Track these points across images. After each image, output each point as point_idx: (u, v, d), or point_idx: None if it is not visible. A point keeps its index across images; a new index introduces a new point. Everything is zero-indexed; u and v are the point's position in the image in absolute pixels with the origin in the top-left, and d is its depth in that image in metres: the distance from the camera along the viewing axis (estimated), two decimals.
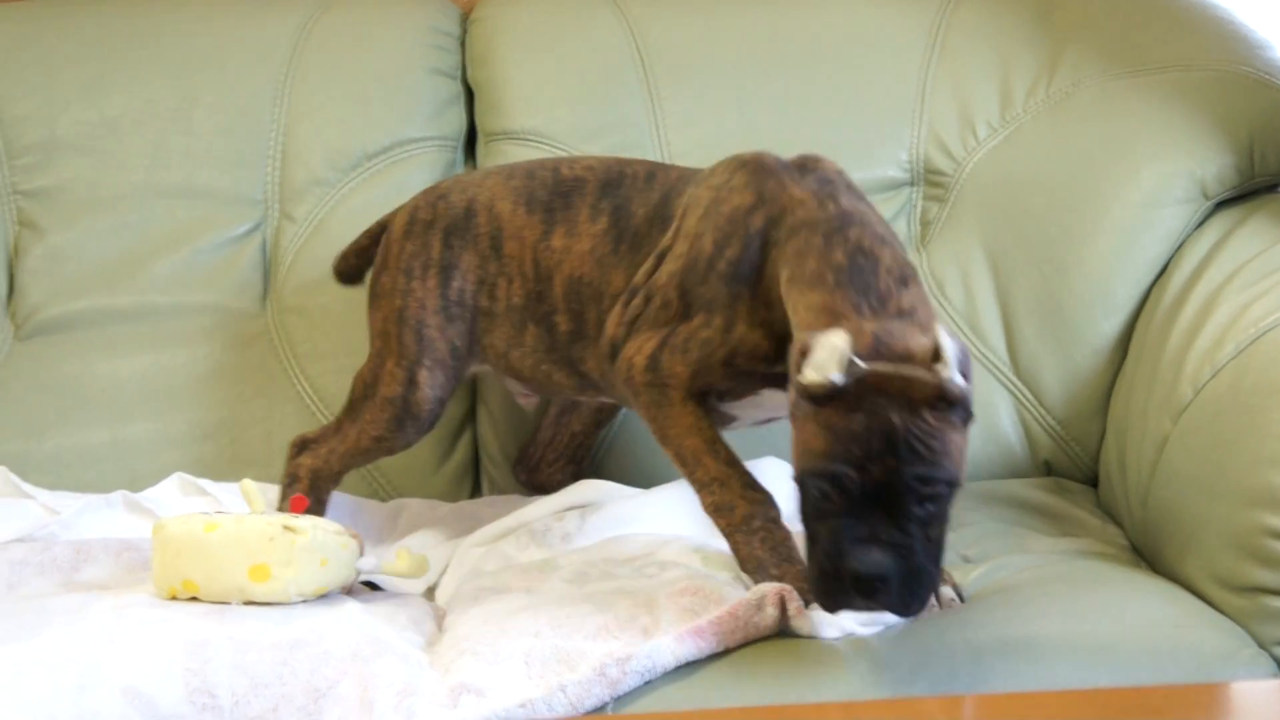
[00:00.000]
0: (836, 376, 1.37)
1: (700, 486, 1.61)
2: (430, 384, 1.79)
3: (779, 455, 1.82)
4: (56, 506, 1.88)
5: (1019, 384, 2.02)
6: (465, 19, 2.27)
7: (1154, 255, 1.97)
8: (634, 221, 1.74)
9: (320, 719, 1.40)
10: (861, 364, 1.37)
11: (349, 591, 1.66)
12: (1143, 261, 1.97)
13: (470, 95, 2.21)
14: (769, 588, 1.48)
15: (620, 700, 1.42)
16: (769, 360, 1.59)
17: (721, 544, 1.63)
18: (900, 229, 2.10)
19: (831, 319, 1.45)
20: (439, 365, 1.80)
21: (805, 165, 1.65)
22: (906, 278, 1.51)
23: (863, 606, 1.40)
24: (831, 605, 1.41)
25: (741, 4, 2.21)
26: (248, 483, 1.66)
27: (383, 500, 1.99)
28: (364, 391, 1.83)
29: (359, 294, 1.98)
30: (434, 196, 1.86)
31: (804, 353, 1.41)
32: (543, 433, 1.98)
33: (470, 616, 1.58)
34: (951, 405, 1.39)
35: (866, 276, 1.48)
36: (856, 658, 1.46)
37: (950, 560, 1.71)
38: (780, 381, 1.58)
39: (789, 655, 1.46)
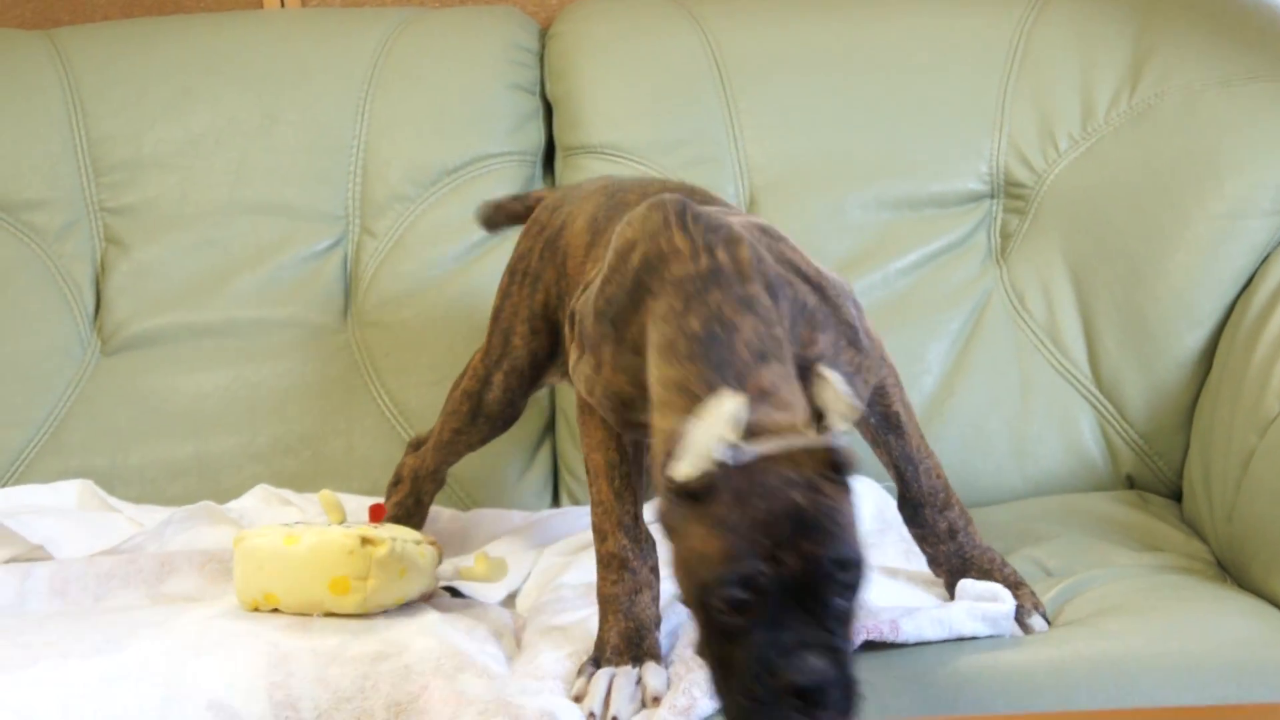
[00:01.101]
0: (726, 454, 1.22)
1: (591, 504, 1.58)
2: (503, 387, 1.78)
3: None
4: (141, 519, 1.91)
5: (1101, 397, 2.00)
6: (544, 34, 2.28)
7: (1239, 267, 1.94)
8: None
9: None
10: (745, 446, 1.22)
11: (430, 599, 1.67)
12: (1227, 274, 1.95)
13: (549, 110, 2.22)
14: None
15: None
16: (639, 407, 1.44)
17: None
18: (980, 242, 2.09)
19: (687, 399, 1.30)
20: (515, 372, 1.77)
21: (712, 200, 1.57)
22: (766, 353, 1.33)
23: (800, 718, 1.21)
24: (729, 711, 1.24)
25: (820, 15, 2.21)
26: (327, 494, 1.67)
27: (462, 510, 2.00)
28: (455, 382, 1.83)
29: (439, 309, 2.00)
30: (553, 203, 1.81)
31: (669, 448, 1.26)
32: None
33: (551, 638, 1.58)
34: (842, 471, 1.25)
35: (722, 351, 1.32)
36: (933, 675, 1.45)
37: (1032, 573, 1.70)
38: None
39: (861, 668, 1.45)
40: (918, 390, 2.02)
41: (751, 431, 1.24)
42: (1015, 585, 1.59)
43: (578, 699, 1.46)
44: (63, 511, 1.90)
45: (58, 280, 2.14)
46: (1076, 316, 2.03)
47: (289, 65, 2.21)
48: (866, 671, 1.42)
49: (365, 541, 1.58)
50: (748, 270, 1.38)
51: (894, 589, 1.62)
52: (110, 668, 1.45)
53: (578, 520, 1.91)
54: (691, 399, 1.29)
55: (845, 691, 1.21)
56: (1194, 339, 1.95)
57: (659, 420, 1.34)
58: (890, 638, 1.48)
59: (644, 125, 2.14)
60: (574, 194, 1.80)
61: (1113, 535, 1.83)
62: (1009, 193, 2.10)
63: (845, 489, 1.25)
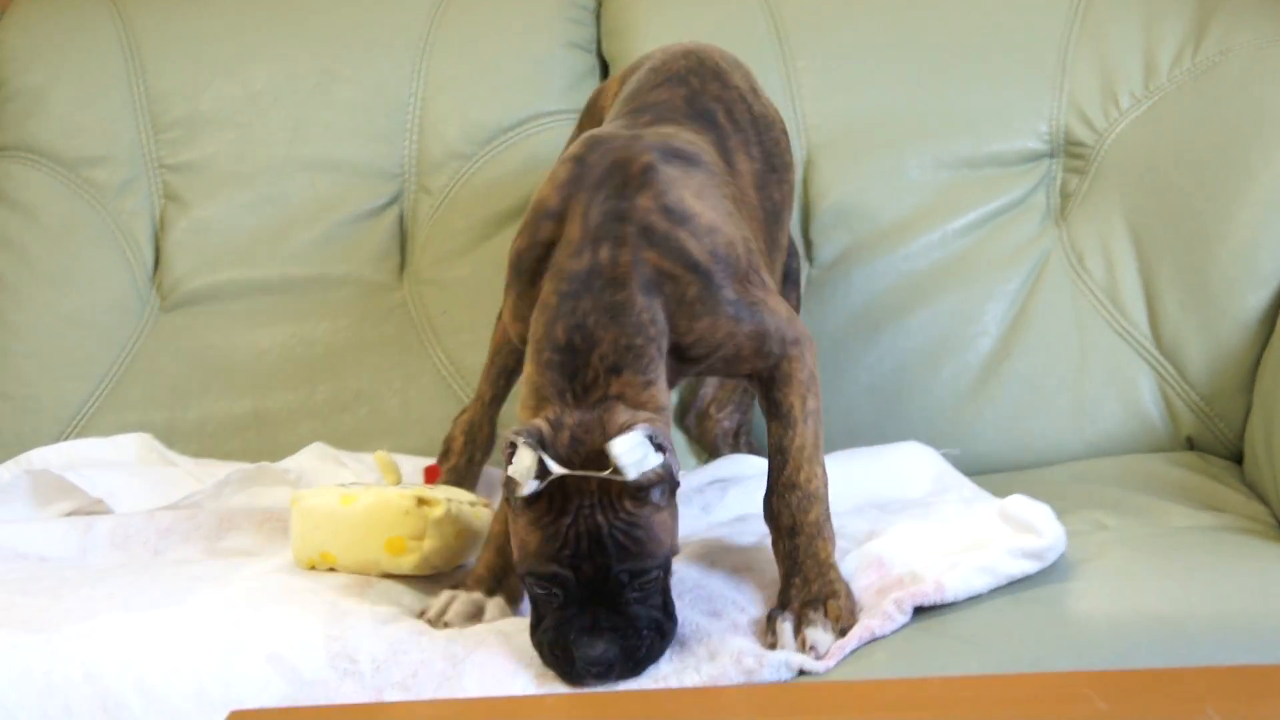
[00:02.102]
0: (533, 485, 1.39)
1: None
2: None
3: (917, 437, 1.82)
4: (200, 474, 1.92)
5: (1161, 359, 1.98)
6: None
7: None
8: None
9: (460, 683, 1.41)
10: (557, 469, 1.38)
11: None
12: None
13: (605, 68, 2.21)
14: (900, 596, 1.47)
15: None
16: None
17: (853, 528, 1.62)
18: (1039, 201, 2.07)
19: (537, 404, 1.45)
20: None
21: (630, 180, 1.53)
22: (621, 366, 1.45)
23: (595, 683, 1.41)
24: (569, 681, 1.42)
25: None
26: (382, 454, 1.68)
27: None
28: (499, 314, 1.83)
29: (494, 267, 1.99)
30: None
31: (509, 451, 1.41)
32: (709, 380, 1.98)
33: None
34: (648, 490, 1.41)
35: (577, 362, 1.44)
36: (990, 632, 1.44)
37: (1089, 531, 1.68)
38: None
39: (917, 633, 1.45)
40: (975, 351, 2.01)
41: (575, 450, 1.40)
42: (814, 603, 1.50)
43: (420, 615, 1.53)
44: (123, 465, 1.91)
45: (117, 236, 2.15)
46: (1137, 277, 2.01)
47: (347, 23, 2.21)
48: (922, 635, 1.43)
49: (421, 502, 1.58)
50: (624, 275, 1.47)
51: (938, 547, 1.60)
52: (171, 620, 1.46)
53: None
54: (540, 405, 1.45)
55: (633, 659, 1.42)
56: (1257, 299, 1.93)
57: (520, 412, 1.47)
58: (937, 599, 1.47)
59: None
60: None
61: (1172, 496, 1.82)
62: (1069, 152, 2.08)
63: (650, 503, 1.41)
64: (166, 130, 2.17)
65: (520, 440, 1.39)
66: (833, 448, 1.84)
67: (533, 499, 1.40)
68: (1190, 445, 1.98)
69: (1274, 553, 1.63)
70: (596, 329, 1.45)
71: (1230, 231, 1.95)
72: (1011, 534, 1.53)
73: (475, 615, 1.53)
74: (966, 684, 1.29)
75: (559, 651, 1.41)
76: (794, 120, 2.10)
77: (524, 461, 1.39)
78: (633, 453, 1.39)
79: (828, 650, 1.44)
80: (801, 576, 1.50)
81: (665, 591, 1.45)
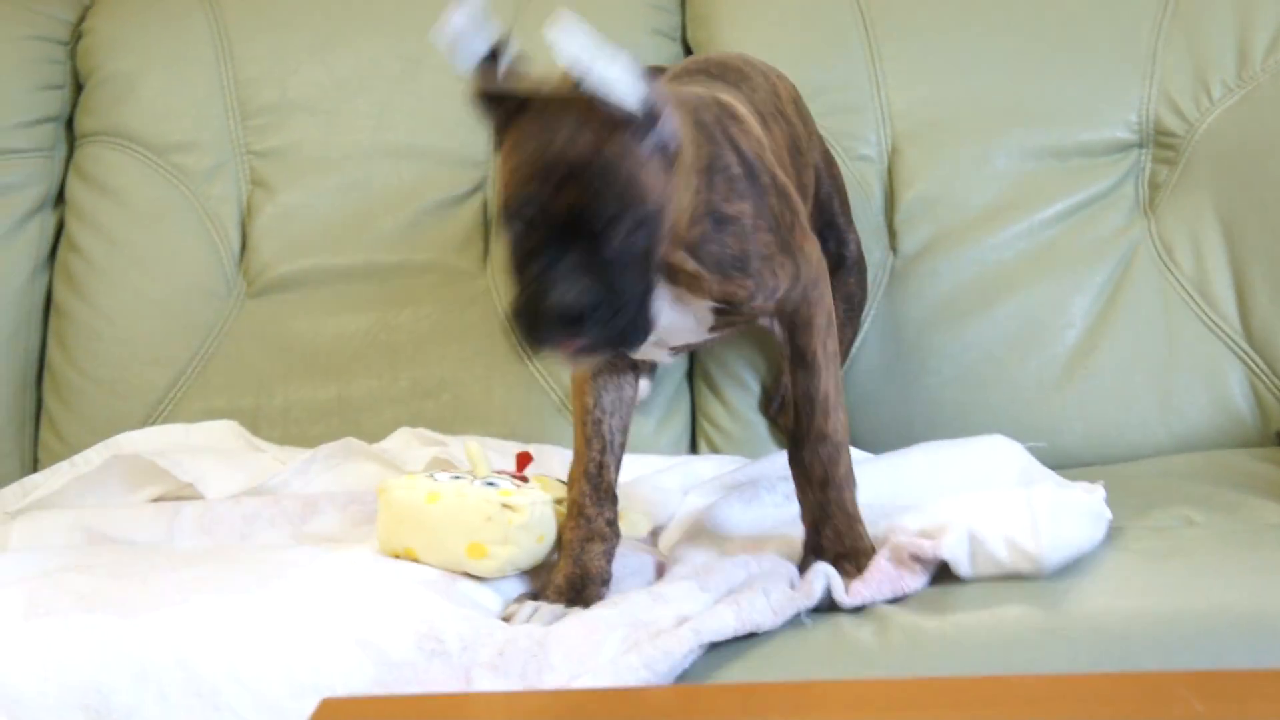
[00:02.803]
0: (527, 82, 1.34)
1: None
2: None
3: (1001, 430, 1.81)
4: (285, 460, 1.93)
5: (1251, 352, 1.96)
6: None
7: None
8: None
9: (546, 659, 1.42)
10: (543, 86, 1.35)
11: None
12: None
13: (690, 56, 2.21)
14: (901, 541, 1.52)
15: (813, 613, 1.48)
16: None
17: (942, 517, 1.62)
18: (1127, 192, 2.05)
19: None
20: None
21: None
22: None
23: (565, 340, 1.36)
24: (535, 341, 1.37)
25: None
26: (471, 444, 1.68)
27: None
28: None
29: None
30: None
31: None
32: None
33: (684, 563, 1.63)
34: (634, 133, 1.37)
35: None
36: (1082, 626, 1.43)
37: (1175, 522, 1.67)
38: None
39: (1011, 624, 1.44)
40: (1061, 343, 1.99)
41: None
42: (849, 556, 1.55)
43: (506, 620, 1.53)
44: (211, 450, 1.93)
45: (205, 222, 2.17)
46: (1227, 270, 1.99)
47: (432, 9, 2.17)
48: (1013, 626, 1.43)
49: (505, 507, 1.58)
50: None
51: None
52: (260, 605, 1.47)
53: (721, 464, 1.91)
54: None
55: (610, 316, 1.35)
56: None
57: None
58: (933, 554, 1.51)
59: (786, 72, 2.11)
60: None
61: (1261, 492, 1.79)
62: (1159, 142, 2.06)
63: (633, 151, 1.36)
64: (254, 116, 2.19)
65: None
66: (916, 438, 1.85)
67: (512, 120, 1.36)
68: None
69: None
70: None
71: None
72: (1018, 525, 1.53)
73: None
74: (1060, 682, 1.28)
75: (529, 307, 1.35)
76: (879, 109, 2.09)
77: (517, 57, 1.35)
78: (573, 40, 1.31)
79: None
80: (833, 529, 1.56)
81: (648, 265, 1.39)
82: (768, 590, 1.48)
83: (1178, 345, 1.98)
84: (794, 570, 1.55)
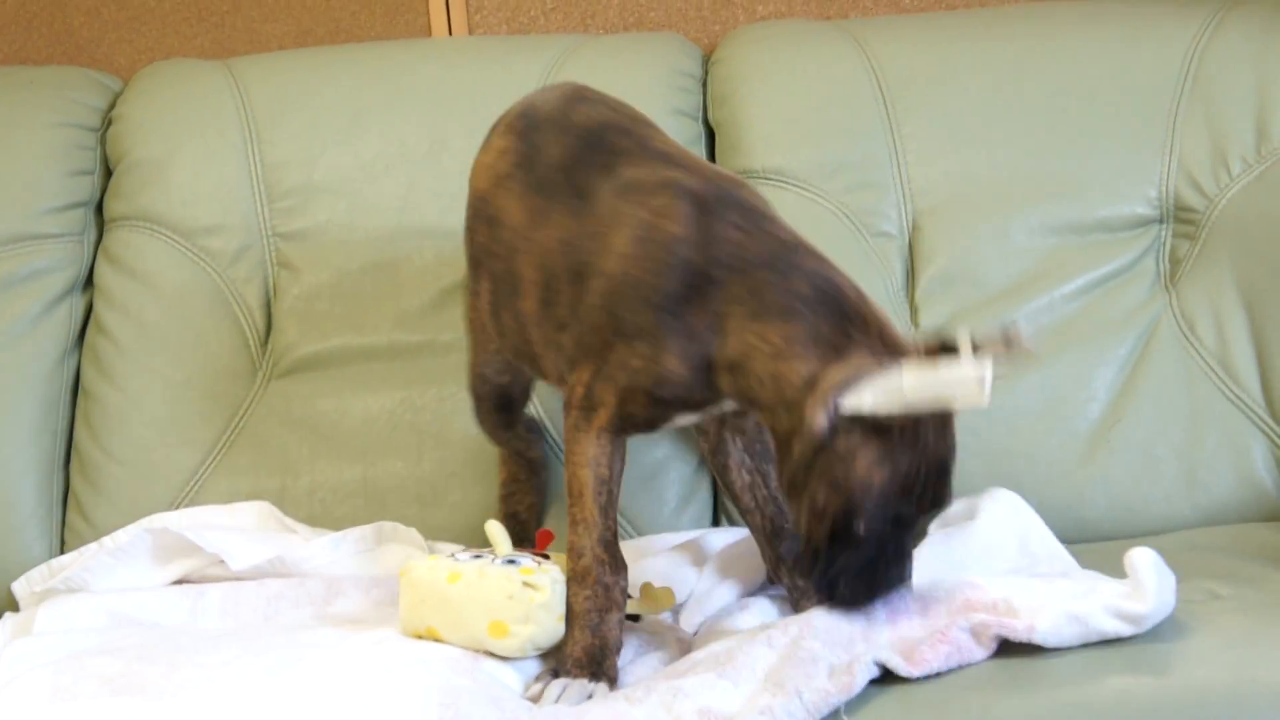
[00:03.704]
0: (900, 397, 1.41)
1: (572, 522, 1.61)
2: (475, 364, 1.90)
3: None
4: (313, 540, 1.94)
5: (1275, 426, 1.96)
6: (707, 60, 2.28)
7: None
8: (543, 157, 1.71)
9: None
10: (912, 394, 1.41)
11: None
12: None
13: (711, 136, 2.23)
14: (987, 619, 1.48)
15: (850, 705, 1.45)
16: (689, 388, 1.58)
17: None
18: (1148, 267, 2.06)
19: (828, 351, 1.49)
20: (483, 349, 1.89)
21: (728, 194, 1.61)
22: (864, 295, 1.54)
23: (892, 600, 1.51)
24: (853, 609, 1.51)
25: (984, 36, 2.19)
26: (492, 525, 1.69)
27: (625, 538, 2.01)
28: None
29: None
30: None
31: (814, 383, 1.47)
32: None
33: (709, 645, 1.61)
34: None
35: (840, 303, 1.51)
36: (1104, 698, 1.42)
37: (1200, 596, 1.66)
38: (695, 405, 1.61)
39: (1016, 692, 1.44)
40: (1084, 417, 1.99)
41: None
42: None
43: (532, 700, 1.53)
44: (242, 530, 1.94)
45: (231, 304, 2.19)
46: (1249, 344, 1.99)
47: (456, 92, 2.24)
48: (1026, 694, 1.42)
49: (526, 586, 1.59)
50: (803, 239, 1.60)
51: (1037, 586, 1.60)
52: (284, 687, 1.48)
53: (730, 535, 1.91)
54: (833, 351, 1.48)
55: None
56: None
57: (781, 364, 1.49)
58: (1025, 638, 1.47)
59: (806, 150, 2.14)
60: None
61: None
62: (1179, 217, 2.07)
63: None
64: (281, 199, 2.21)
65: (881, 372, 1.43)
66: None
67: (884, 430, 1.43)
68: None
69: None
70: (833, 273, 1.54)
71: None
72: (1115, 590, 1.52)
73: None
74: None
75: (859, 581, 1.49)
76: (899, 186, 2.10)
77: (889, 386, 1.41)
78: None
79: None
80: None
81: None
82: (801, 690, 1.44)
83: (1201, 419, 1.98)
84: (834, 653, 1.50)
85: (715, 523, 2.07)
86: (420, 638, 1.61)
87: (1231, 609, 1.63)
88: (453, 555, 1.64)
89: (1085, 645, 1.49)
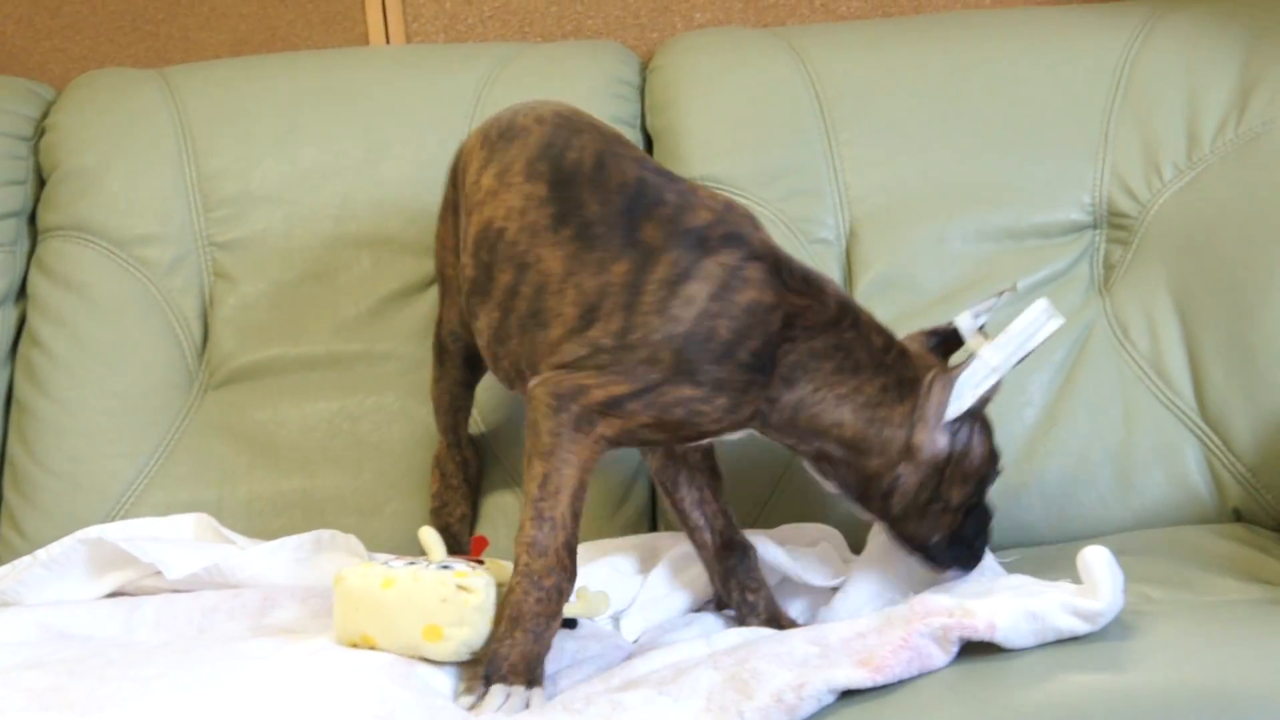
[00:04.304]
0: (994, 375, 1.68)
1: (538, 519, 1.59)
2: (446, 317, 1.94)
3: None
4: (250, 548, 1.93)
5: (1207, 430, 1.98)
6: (645, 68, 2.29)
7: None
8: (584, 212, 1.70)
9: None
10: (1004, 362, 1.68)
11: None
12: None
13: (649, 143, 2.23)
14: (948, 622, 1.48)
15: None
16: (723, 427, 1.67)
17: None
18: (1083, 272, 2.08)
19: (907, 388, 1.68)
20: (445, 302, 1.94)
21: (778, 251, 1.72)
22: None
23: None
24: (973, 563, 1.73)
25: (920, 45, 2.21)
26: (426, 531, 1.68)
27: None
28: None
29: None
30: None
31: (914, 419, 1.67)
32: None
33: (650, 658, 1.61)
34: None
35: (898, 344, 1.71)
36: (1040, 699, 1.43)
37: (1134, 599, 1.68)
38: (709, 437, 1.70)
39: (963, 702, 1.45)
40: (1020, 422, 2.00)
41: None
42: None
43: (468, 709, 1.52)
44: (180, 542, 1.93)
45: (167, 314, 2.18)
46: (1182, 348, 2.00)
47: (394, 101, 2.24)
48: (967, 705, 1.43)
49: (460, 589, 1.58)
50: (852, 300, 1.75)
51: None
52: (218, 699, 1.47)
53: (675, 542, 1.91)
54: (907, 386, 1.69)
55: None
56: None
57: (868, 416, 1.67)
58: (986, 637, 1.48)
59: (744, 157, 2.14)
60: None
61: (1219, 568, 1.81)
62: (1112, 223, 2.08)
63: None
64: (217, 208, 2.20)
65: (975, 359, 1.67)
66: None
67: (975, 410, 1.69)
68: (1238, 516, 1.97)
69: None
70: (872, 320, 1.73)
71: (1275, 301, 1.94)
72: (1069, 589, 1.53)
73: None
74: None
75: (960, 544, 1.72)
76: (836, 193, 2.11)
77: (981, 371, 1.67)
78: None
79: None
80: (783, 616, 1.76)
81: None
82: (743, 710, 1.42)
83: (1135, 423, 2.00)
84: (781, 675, 1.48)
85: (654, 527, 2.07)
86: (355, 646, 1.60)
87: (1165, 612, 1.64)
88: (386, 562, 1.64)
89: (1018, 650, 1.50)
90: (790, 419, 1.66)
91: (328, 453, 2.08)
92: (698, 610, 1.82)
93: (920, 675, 1.47)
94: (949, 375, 1.67)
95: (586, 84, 2.23)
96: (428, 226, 2.16)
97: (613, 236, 1.67)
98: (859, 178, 2.12)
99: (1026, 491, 1.99)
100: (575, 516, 1.60)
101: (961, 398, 1.66)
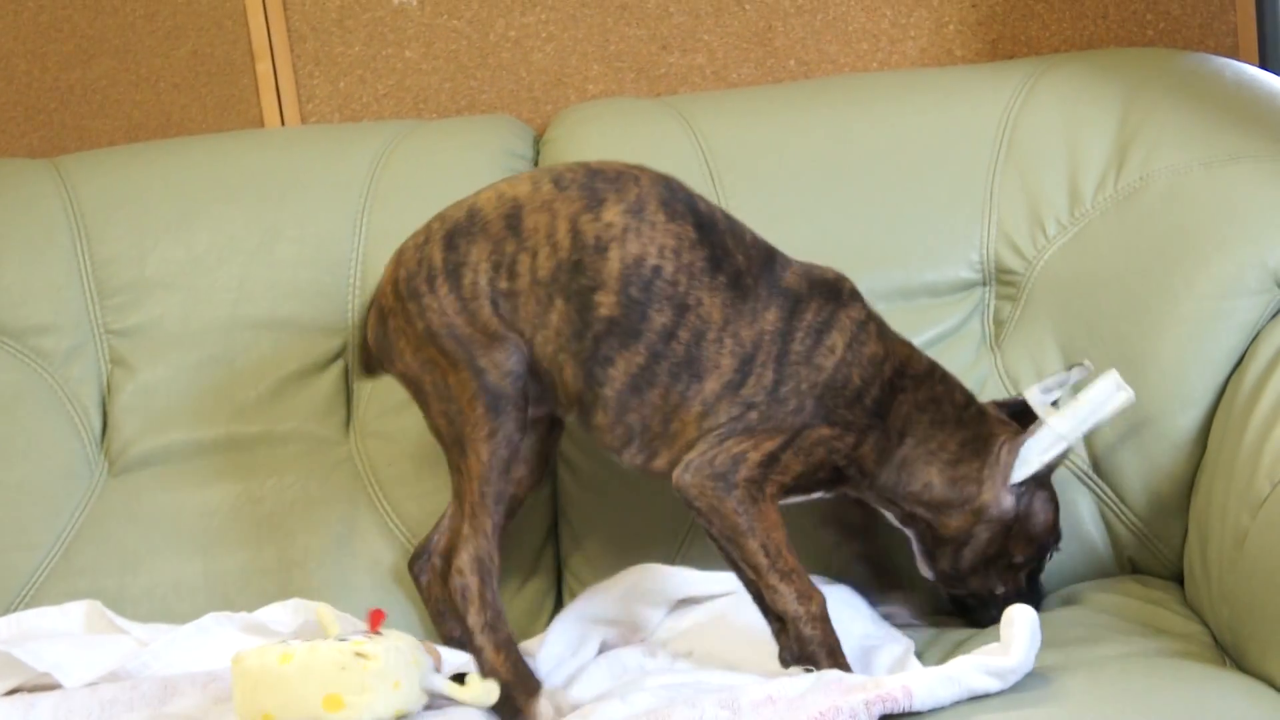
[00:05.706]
0: (1062, 444, 1.82)
1: (782, 577, 1.72)
2: (495, 362, 1.79)
3: None
4: (149, 639, 1.92)
5: (1100, 483, 2.00)
6: (539, 140, 2.31)
7: (1229, 347, 1.94)
8: (734, 260, 1.81)
9: None
10: (1073, 433, 1.83)
11: (427, 707, 1.68)
12: (1218, 353, 1.94)
13: None
14: (868, 697, 1.49)
15: None
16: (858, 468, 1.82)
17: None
18: (974, 329, 2.10)
19: (983, 447, 1.82)
20: (490, 348, 1.79)
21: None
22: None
23: None
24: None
25: (808, 110, 2.24)
26: (323, 608, 1.69)
27: None
28: (450, 418, 1.82)
29: None
30: (422, 227, 1.89)
31: (985, 478, 1.81)
32: None
33: None
34: None
35: (977, 403, 1.87)
36: None
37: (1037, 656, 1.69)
38: (829, 485, 1.83)
39: None
40: None
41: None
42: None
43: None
44: (69, 636, 1.92)
45: (65, 403, 2.17)
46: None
47: (288, 182, 2.24)
48: None
49: (359, 655, 1.59)
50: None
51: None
52: None
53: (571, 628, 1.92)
54: (983, 446, 1.84)
55: None
56: (1188, 420, 1.95)
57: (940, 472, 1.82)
58: (905, 706, 1.49)
59: None
60: (450, 207, 1.91)
61: (1113, 621, 1.83)
62: (1000, 280, 2.11)
63: None
64: (112, 296, 2.20)
65: (1039, 432, 1.81)
66: None
67: (1041, 477, 1.83)
68: (1133, 568, 1.99)
69: (1207, 674, 1.64)
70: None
71: (1158, 353, 1.97)
72: (987, 649, 1.55)
73: None
74: None
75: (1036, 592, 1.89)
76: None
77: (1050, 443, 1.81)
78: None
79: None
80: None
81: None
82: None
83: None
84: None
85: (559, 603, 2.07)
86: None
87: (1068, 666, 1.66)
88: (283, 640, 1.64)
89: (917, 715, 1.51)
90: (895, 479, 1.81)
91: (230, 534, 2.08)
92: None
93: None
94: (1018, 440, 1.80)
95: (481, 158, 2.24)
96: (325, 306, 2.18)
97: (760, 288, 1.80)
98: None
99: None
100: (795, 555, 1.74)
101: (1028, 462, 1.79)
